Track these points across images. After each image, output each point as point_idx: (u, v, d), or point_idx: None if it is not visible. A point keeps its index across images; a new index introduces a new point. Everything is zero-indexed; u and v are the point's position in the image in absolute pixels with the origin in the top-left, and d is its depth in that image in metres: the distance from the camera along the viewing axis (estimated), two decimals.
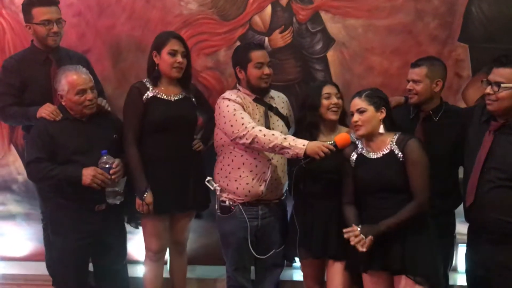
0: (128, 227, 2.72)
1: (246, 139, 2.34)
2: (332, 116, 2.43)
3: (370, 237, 2.16)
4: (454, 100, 2.91)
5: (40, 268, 2.91)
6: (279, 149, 2.29)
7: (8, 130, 3.25)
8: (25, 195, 3.28)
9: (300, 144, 2.26)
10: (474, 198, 2.22)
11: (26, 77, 2.68)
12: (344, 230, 2.22)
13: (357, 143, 2.36)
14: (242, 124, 2.35)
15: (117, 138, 2.54)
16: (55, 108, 2.49)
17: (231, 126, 2.39)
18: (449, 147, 2.42)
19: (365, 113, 2.25)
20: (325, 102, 2.42)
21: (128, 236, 2.73)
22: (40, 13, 2.62)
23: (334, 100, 2.42)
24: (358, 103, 2.26)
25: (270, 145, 2.29)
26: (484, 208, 2.20)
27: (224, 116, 2.42)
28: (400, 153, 2.23)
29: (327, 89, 2.44)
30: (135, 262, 3.16)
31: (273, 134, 2.31)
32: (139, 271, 3.07)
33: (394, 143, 2.25)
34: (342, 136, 2.30)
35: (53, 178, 2.38)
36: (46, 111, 2.48)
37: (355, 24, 2.98)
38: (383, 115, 2.27)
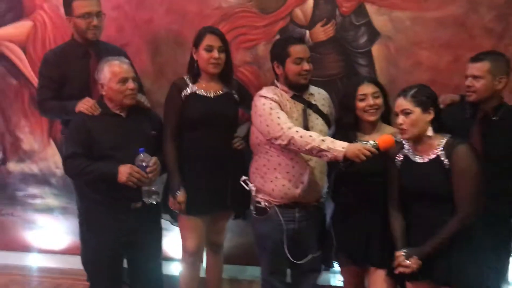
0: (164, 224, 2.70)
1: (282, 140, 2.27)
2: (370, 118, 2.31)
3: (414, 257, 2.08)
4: (510, 100, 2.72)
5: (76, 262, 2.94)
6: (317, 152, 2.21)
7: (48, 124, 3.31)
8: (63, 189, 3.34)
9: (339, 147, 2.16)
10: None
11: (65, 70, 2.69)
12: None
13: (403, 142, 2.23)
14: (278, 124, 2.28)
15: (156, 135, 2.53)
16: (94, 102, 2.50)
17: (267, 126, 2.32)
18: (509, 149, 2.27)
19: (410, 115, 2.11)
20: (360, 104, 2.31)
21: (164, 232, 2.70)
22: (80, 6, 2.63)
23: (370, 101, 2.29)
24: (403, 103, 2.13)
25: (307, 147, 2.21)
26: None
27: (260, 115, 2.36)
28: (446, 160, 2.09)
29: (362, 89, 2.31)
30: (171, 259, 3.15)
31: (310, 136, 2.23)
32: (174, 268, 3.07)
33: (442, 148, 2.11)
34: (385, 138, 2.17)
35: (89, 174, 2.38)
36: (84, 105, 2.48)
37: (402, 17, 2.84)
38: (431, 116, 2.13)
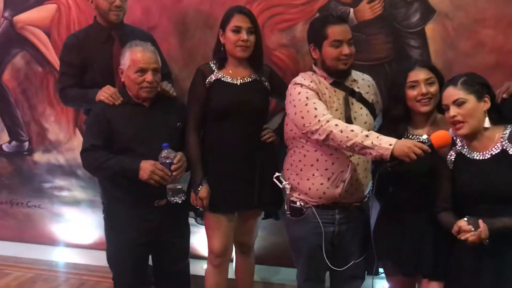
0: (192, 221, 2.57)
1: (319, 134, 2.04)
2: (423, 108, 2.06)
3: (484, 225, 1.79)
4: None
5: (103, 258, 2.85)
6: (359, 149, 1.97)
7: (73, 114, 3.24)
8: (90, 181, 3.26)
9: (385, 143, 1.91)
10: None
11: (87, 56, 2.58)
12: (454, 230, 1.85)
13: (454, 139, 1.98)
14: (315, 116, 2.05)
15: (182, 127, 2.39)
16: (115, 91, 2.37)
17: (302, 118, 2.10)
18: None
19: (465, 104, 1.87)
20: (411, 93, 2.06)
21: (193, 229, 2.58)
22: None
23: (422, 89, 2.04)
24: (454, 93, 1.89)
25: (348, 144, 1.98)
26: None
27: (294, 106, 2.14)
28: None
29: (413, 75, 2.06)
30: (200, 258, 3.02)
31: (352, 130, 1.99)
32: (203, 268, 2.93)
33: (506, 140, 1.86)
34: (439, 134, 1.91)
35: (108, 169, 2.26)
36: (105, 94, 2.36)
37: None
38: (488, 104, 1.89)
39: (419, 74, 2.06)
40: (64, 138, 3.29)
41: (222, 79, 2.36)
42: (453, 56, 2.59)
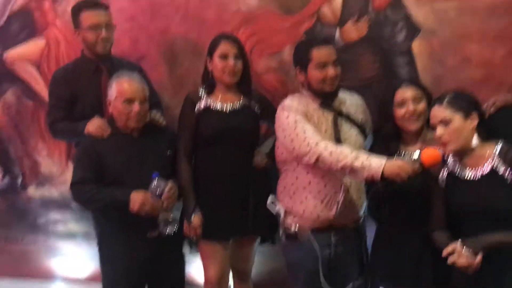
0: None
1: (309, 158, 2.04)
2: (412, 126, 2.07)
3: (479, 256, 1.76)
4: None
5: None
6: (350, 171, 1.96)
7: (66, 146, 3.23)
8: (84, 214, 3.19)
9: (376, 164, 1.90)
10: None
11: (76, 88, 2.58)
12: (444, 253, 1.82)
13: (446, 157, 1.97)
14: (304, 139, 2.05)
15: (172, 155, 2.39)
16: (104, 122, 2.38)
17: (292, 141, 2.10)
18: None
19: (451, 124, 1.86)
20: (399, 111, 2.07)
21: (189, 258, 2.55)
22: (88, 17, 2.52)
23: (410, 107, 2.05)
24: (440, 112, 1.88)
25: (339, 166, 1.97)
26: None
27: (284, 129, 2.15)
28: (508, 171, 1.82)
29: (400, 94, 2.07)
30: (197, 286, 2.94)
31: (341, 152, 1.98)
32: None
33: (497, 158, 1.85)
34: (430, 152, 1.90)
35: (99, 202, 2.25)
36: (93, 126, 2.37)
37: (446, 7, 2.57)
38: (476, 122, 1.87)
39: (406, 92, 2.07)
40: (57, 171, 3.27)
41: (212, 105, 2.37)
42: (442, 72, 2.61)
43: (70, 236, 3.33)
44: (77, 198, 2.33)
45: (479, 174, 1.88)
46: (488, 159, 1.87)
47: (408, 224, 2.08)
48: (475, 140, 1.89)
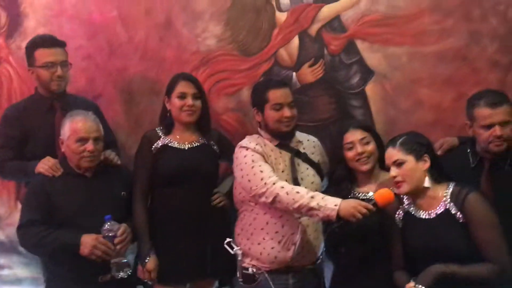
0: None
1: (266, 197, 2.05)
2: (363, 167, 2.11)
3: None
4: None
5: None
6: (306, 211, 1.98)
7: (15, 187, 3.11)
8: (33, 257, 3.02)
9: (331, 204, 1.93)
10: None
11: (28, 127, 2.52)
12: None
13: (402, 197, 2.01)
14: (262, 179, 2.06)
15: (126, 196, 2.33)
16: (56, 162, 2.31)
17: (249, 181, 2.11)
18: None
19: (404, 165, 1.92)
20: (349, 154, 2.12)
21: None
22: (43, 55, 2.49)
23: (358, 149, 2.10)
24: (393, 154, 1.94)
25: (295, 206, 1.98)
26: None
27: (241, 169, 2.15)
28: (459, 213, 1.87)
29: (349, 137, 2.13)
30: None
31: (297, 192, 2.00)
32: None
33: (449, 199, 1.90)
34: (383, 192, 1.94)
35: (47, 246, 2.15)
36: (44, 165, 2.29)
37: (397, 53, 2.68)
38: (427, 164, 1.93)
39: (354, 135, 2.12)
40: (5, 213, 3.14)
41: (170, 144, 2.35)
42: (395, 114, 2.69)
43: (16, 281, 3.19)
44: (24, 243, 2.23)
45: (433, 215, 1.92)
46: (441, 201, 1.92)
47: (364, 263, 2.08)
48: (427, 182, 1.93)
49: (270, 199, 2.03)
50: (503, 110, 2.02)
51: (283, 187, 2.02)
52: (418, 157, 1.92)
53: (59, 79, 2.50)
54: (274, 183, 2.03)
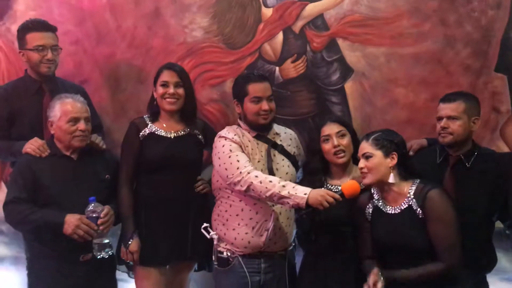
0: (121, 275, 2.59)
1: (241, 186, 2.19)
2: (339, 160, 2.27)
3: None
4: (491, 138, 2.73)
5: None
6: (278, 199, 2.13)
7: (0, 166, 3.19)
8: (15, 237, 3.16)
9: (301, 193, 2.08)
10: None
11: (15, 108, 2.62)
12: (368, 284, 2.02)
13: (372, 192, 2.18)
14: (237, 168, 2.21)
15: (109, 179, 2.45)
16: (43, 143, 2.42)
17: (226, 169, 2.25)
18: (484, 198, 2.21)
19: (371, 158, 2.08)
20: (325, 146, 2.27)
21: (120, 284, 2.60)
22: (35, 38, 2.59)
23: (334, 142, 2.25)
24: (364, 147, 2.11)
25: (267, 194, 2.13)
26: None
27: (219, 158, 2.29)
28: (418, 209, 2.03)
29: (326, 130, 2.28)
30: None
31: (270, 181, 2.15)
32: None
33: (412, 196, 2.06)
34: (350, 184, 2.11)
35: (32, 223, 2.27)
36: (32, 146, 2.40)
37: (376, 53, 2.85)
38: (394, 161, 2.08)
39: (331, 129, 2.27)
40: None
41: (156, 132, 2.47)
42: (371, 112, 2.86)
43: None
44: (9, 219, 2.34)
45: (397, 210, 2.09)
46: (405, 197, 2.08)
47: (331, 252, 2.25)
48: (391, 178, 2.08)
49: (244, 187, 2.17)
50: (452, 106, 2.23)
51: (257, 176, 2.16)
52: (386, 154, 2.08)
53: (49, 62, 2.60)
54: (249, 172, 2.18)
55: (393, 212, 2.10)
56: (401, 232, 2.05)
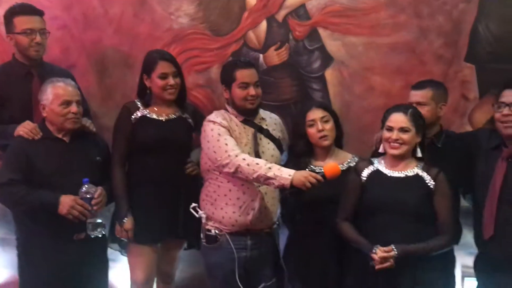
0: (111, 255, 2.69)
1: (229, 168, 2.32)
2: (322, 144, 2.42)
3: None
4: (461, 124, 2.91)
5: None
6: (264, 180, 2.27)
7: None
8: (2, 218, 3.21)
9: (286, 174, 2.24)
10: (494, 230, 2.25)
11: (4, 92, 2.66)
12: (381, 253, 2.14)
13: (372, 160, 2.33)
14: (226, 151, 2.34)
15: (101, 161, 2.54)
16: (35, 126, 2.47)
17: (214, 152, 2.37)
18: (452, 176, 2.38)
19: (408, 133, 2.22)
20: (310, 130, 2.41)
21: (110, 264, 2.69)
22: (23, 22, 2.63)
23: (319, 126, 2.40)
24: (404, 120, 2.23)
25: (254, 176, 2.27)
26: (507, 240, 2.22)
27: (208, 141, 2.42)
28: (432, 181, 2.21)
29: (311, 115, 2.42)
30: None
31: (257, 164, 2.29)
32: None
33: (422, 169, 2.23)
34: (331, 166, 2.27)
35: (27, 204, 2.35)
36: (24, 129, 2.45)
37: (355, 42, 2.99)
38: (419, 139, 2.26)
39: (316, 114, 2.42)
40: None
41: (148, 115, 2.57)
42: (349, 98, 3.01)
43: None
44: (4, 200, 2.42)
45: (402, 175, 2.25)
46: (412, 168, 2.25)
47: (316, 231, 2.40)
48: (419, 153, 2.25)
49: (232, 169, 2.31)
50: (421, 93, 2.44)
51: (244, 159, 2.30)
52: (417, 130, 2.23)
53: (38, 46, 2.65)
54: (236, 155, 2.31)
55: (398, 175, 2.25)
56: (405, 194, 2.20)
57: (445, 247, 2.23)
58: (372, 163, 2.32)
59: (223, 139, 2.37)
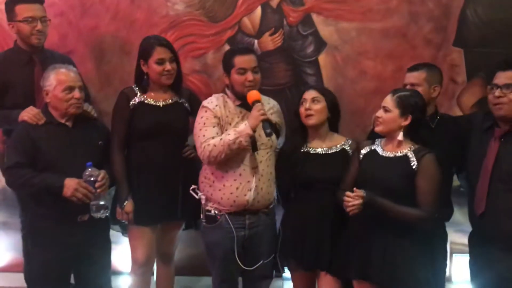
0: (112, 237, 2.77)
1: (203, 157, 2.45)
2: (308, 122, 2.50)
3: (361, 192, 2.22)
4: (449, 106, 3.02)
5: (19, 280, 2.93)
6: (233, 144, 2.38)
7: None
8: (3, 203, 3.32)
9: (243, 126, 2.38)
10: (485, 207, 2.33)
11: (7, 78, 2.72)
12: (351, 194, 2.23)
13: (375, 141, 2.43)
14: (201, 142, 2.45)
15: (103, 145, 2.61)
16: (38, 111, 2.54)
17: (195, 141, 2.51)
18: (445, 155, 2.46)
19: (388, 113, 2.31)
20: (300, 108, 2.52)
21: (112, 246, 2.76)
22: (24, 10, 2.68)
23: (306, 105, 2.49)
24: (387, 100, 2.33)
25: (225, 147, 2.39)
26: (497, 216, 2.30)
27: (195, 128, 2.53)
28: (415, 162, 2.28)
29: (304, 95, 2.52)
30: (119, 273, 3.23)
31: (221, 139, 2.40)
32: (124, 282, 3.14)
33: (411, 151, 2.31)
34: (251, 93, 2.42)
35: (33, 186, 2.43)
36: (28, 114, 2.52)
37: (348, 27, 3.07)
38: (407, 122, 2.30)
39: (309, 94, 2.51)
40: None
41: (146, 101, 2.64)
42: (342, 82, 3.11)
43: None
44: (12, 182, 2.50)
45: (391, 155, 2.33)
46: (404, 149, 2.32)
47: (310, 210, 2.49)
48: (401, 136, 2.30)
49: (206, 157, 2.43)
50: (414, 74, 2.55)
51: (210, 144, 2.41)
52: (402, 114, 2.28)
53: (39, 33, 2.72)
54: (208, 145, 2.41)
55: (386, 155, 2.35)
56: (385, 172, 2.29)
57: (417, 221, 2.23)
58: (373, 143, 2.43)
59: (204, 130, 2.47)
